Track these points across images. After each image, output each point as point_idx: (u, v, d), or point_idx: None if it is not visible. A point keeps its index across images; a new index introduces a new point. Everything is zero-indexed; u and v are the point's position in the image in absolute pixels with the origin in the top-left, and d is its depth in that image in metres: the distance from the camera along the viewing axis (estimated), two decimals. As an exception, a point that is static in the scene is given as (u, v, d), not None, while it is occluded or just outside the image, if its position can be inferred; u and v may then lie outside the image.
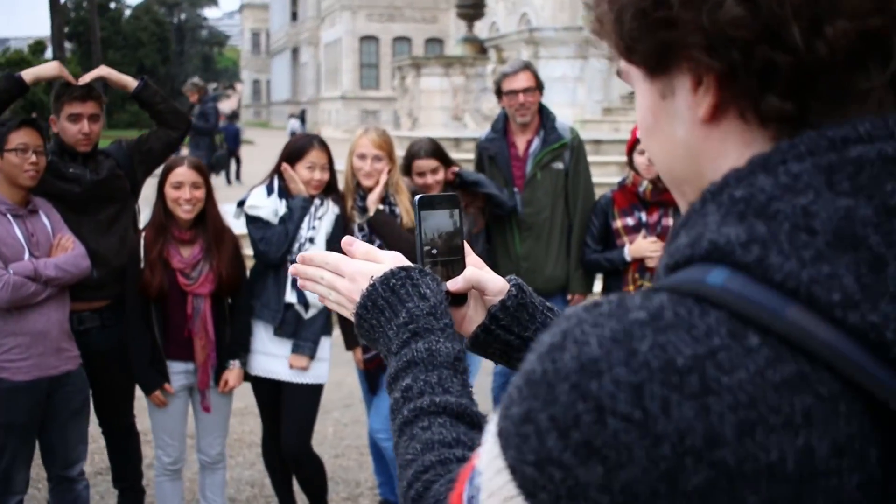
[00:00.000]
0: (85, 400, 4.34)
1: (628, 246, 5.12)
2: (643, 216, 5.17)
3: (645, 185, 5.11)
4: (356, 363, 4.91)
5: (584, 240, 5.38)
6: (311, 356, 4.50)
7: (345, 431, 6.53)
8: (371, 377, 4.87)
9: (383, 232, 4.64)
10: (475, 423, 1.13)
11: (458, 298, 1.34)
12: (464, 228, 1.39)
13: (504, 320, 1.31)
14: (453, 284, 1.32)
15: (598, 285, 5.71)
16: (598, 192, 5.53)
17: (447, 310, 1.24)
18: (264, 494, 5.34)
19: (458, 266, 1.35)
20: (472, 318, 1.35)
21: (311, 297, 4.44)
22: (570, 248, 5.48)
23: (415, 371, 1.17)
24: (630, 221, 5.18)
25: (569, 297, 5.57)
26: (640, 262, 5.10)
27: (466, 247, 1.38)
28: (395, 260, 1.28)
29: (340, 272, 1.29)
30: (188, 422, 4.61)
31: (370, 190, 4.69)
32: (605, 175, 8.48)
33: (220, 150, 16.64)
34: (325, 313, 4.56)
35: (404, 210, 4.71)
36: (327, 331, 4.62)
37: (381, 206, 4.69)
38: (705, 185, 0.80)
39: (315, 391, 4.62)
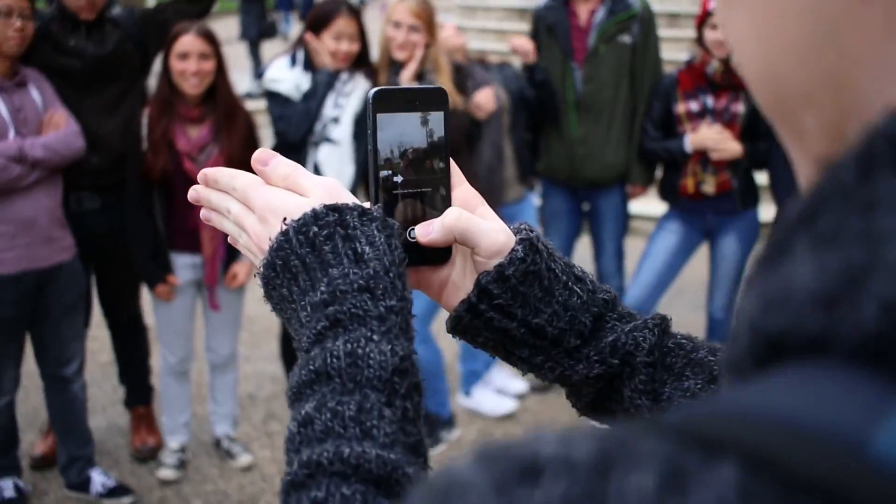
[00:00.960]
0: (81, 294, 3.99)
1: (690, 134, 4.56)
2: (709, 101, 4.59)
3: (715, 66, 4.52)
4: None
5: (643, 126, 4.82)
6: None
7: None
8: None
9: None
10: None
11: (437, 254, 0.94)
12: (449, 141, 0.95)
13: (501, 297, 0.91)
14: (424, 233, 0.93)
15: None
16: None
17: (401, 280, 0.83)
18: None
19: (435, 203, 0.95)
20: (459, 285, 0.96)
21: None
22: (634, 133, 4.92)
23: (323, 390, 0.77)
24: (694, 106, 4.62)
25: (629, 188, 5.06)
26: (702, 154, 4.55)
27: (455, 172, 0.97)
28: (327, 191, 0.88)
29: (250, 204, 0.90)
30: (196, 319, 4.25)
31: (404, 64, 4.16)
32: (679, 52, 7.81)
33: (271, 17, 15.92)
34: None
35: (449, 90, 4.19)
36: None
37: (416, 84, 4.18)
38: (851, 117, 0.38)
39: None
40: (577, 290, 0.93)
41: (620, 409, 0.95)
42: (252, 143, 3.97)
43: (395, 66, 4.20)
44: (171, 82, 3.89)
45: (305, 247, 0.82)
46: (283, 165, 0.90)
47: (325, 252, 0.81)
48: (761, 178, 4.81)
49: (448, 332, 0.95)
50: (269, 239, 0.84)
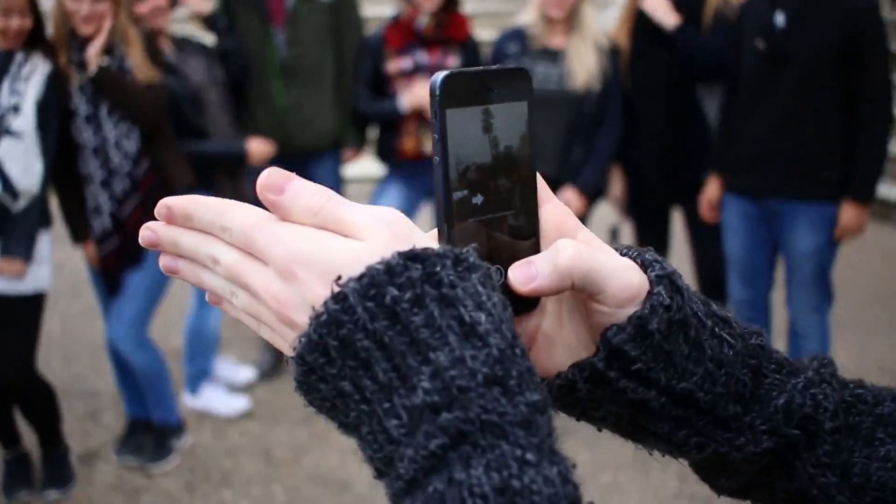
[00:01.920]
0: None
1: (404, 93, 4.35)
2: (421, 57, 4.40)
3: (424, 20, 4.32)
4: (88, 260, 3.93)
5: (354, 87, 4.54)
6: (27, 258, 3.50)
7: (75, 327, 5.53)
8: (109, 277, 3.91)
9: (112, 93, 3.64)
10: None
11: (523, 300, 0.70)
12: (535, 143, 0.71)
13: (640, 359, 0.69)
14: (524, 278, 0.68)
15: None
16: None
17: (527, 357, 0.60)
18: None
19: (521, 230, 0.71)
20: (553, 339, 0.74)
21: (24, 183, 3.42)
22: (344, 96, 4.63)
23: None
24: (406, 64, 4.40)
25: (343, 153, 4.78)
26: (419, 113, 4.35)
27: (542, 185, 0.73)
28: (391, 229, 0.64)
29: (260, 252, 0.64)
30: None
31: (90, 39, 3.62)
32: (383, 7, 7.53)
33: None
34: (41, 200, 3.53)
35: (138, 64, 3.68)
36: (45, 222, 3.64)
37: (105, 60, 3.64)
38: None
39: (35, 302, 3.66)
40: (727, 337, 0.72)
41: (793, 490, 0.74)
42: None
43: (77, 42, 3.65)
44: None
45: (381, 319, 0.58)
46: (309, 193, 0.64)
47: (415, 326, 0.57)
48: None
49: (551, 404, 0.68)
50: (312, 307, 0.60)
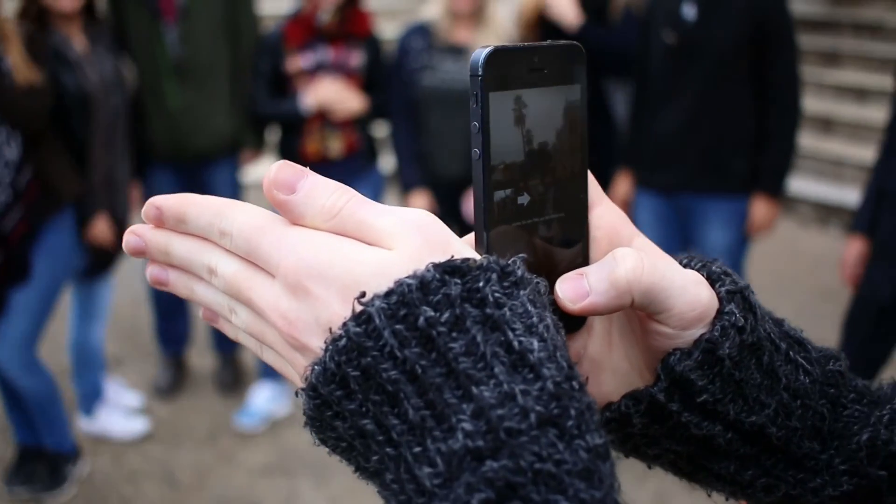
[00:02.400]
0: None
1: (307, 93, 4.15)
2: (324, 54, 4.19)
3: (325, 16, 4.12)
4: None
5: (251, 88, 4.31)
6: None
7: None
8: (-9, 295, 3.62)
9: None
10: None
11: (569, 322, 0.61)
12: (587, 134, 0.63)
13: (707, 389, 0.60)
14: (575, 293, 0.59)
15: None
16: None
17: (585, 390, 0.51)
18: None
19: (571, 235, 0.63)
20: (601, 363, 0.65)
21: None
22: (242, 96, 4.40)
23: None
24: (308, 62, 4.19)
25: (243, 157, 4.54)
26: (323, 115, 4.15)
27: (593, 185, 0.64)
28: (424, 236, 0.54)
29: (263, 261, 0.55)
30: None
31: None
32: (279, 3, 7.22)
33: None
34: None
35: (17, 64, 3.40)
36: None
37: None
38: None
39: None
40: (803, 362, 0.63)
41: None
42: None
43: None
44: None
45: (413, 345, 0.50)
46: (326, 191, 0.56)
47: (454, 354, 0.49)
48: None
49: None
50: (329, 329, 0.52)
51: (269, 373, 4.49)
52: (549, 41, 0.60)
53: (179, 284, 0.61)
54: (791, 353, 0.64)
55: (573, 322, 0.62)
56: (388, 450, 0.51)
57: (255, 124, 4.43)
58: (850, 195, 7.17)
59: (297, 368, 0.56)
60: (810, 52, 9.65)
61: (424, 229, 0.54)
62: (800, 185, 7.72)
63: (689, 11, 3.77)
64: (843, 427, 0.64)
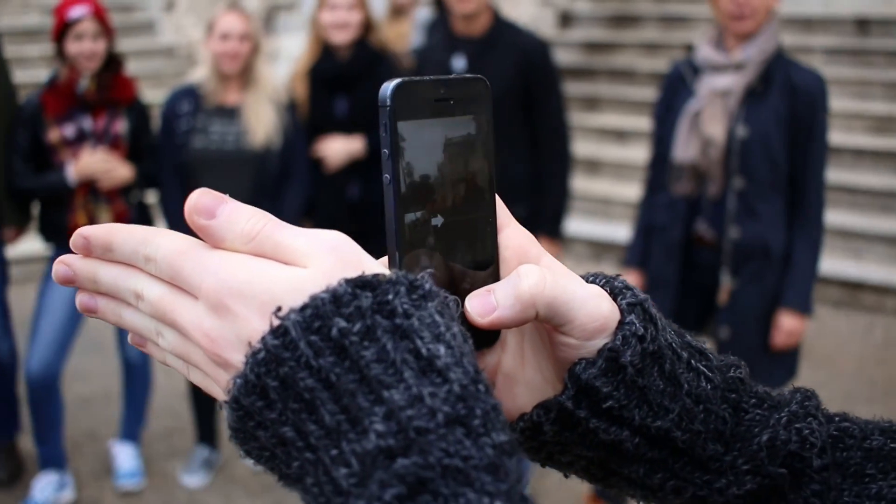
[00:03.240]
0: None
1: (71, 164, 3.95)
2: (86, 123, 4.03)
3: (85, 83, 3.96)
4: None
5: (9, 161, 4.07)
6: None
7: None
8: None
9: None
10: None
11: (483, 334, 0.65)
12: (493, 159, 0.66)
13: (612, 396, 0.64)
14: (483, 309, 0.63)
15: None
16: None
17: (492, 394, 0.54)
18: None
19: (480, 255, 0.66)
20: (515, 377, 0.68)
21: None
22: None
23: None
24: (70, 131, 4.02)
25: (5, 234, 4.26)
26: (89, 184, 3.97)
27: (501, 207, 0.68)
28: (337, 255, 0.58)
29: (187, 284, 0.58)
30: None
31: None
32: (36, 71, 6.84)
33: None
34: None
35: None
36: None
37: None
38: None
39: None
40: (705, 369, 0.67)
41: None
42: None
43: None
44: None
45: (328, 354, 0.53)
46: (244, 216, 0.59)
47: (366, 361, 0.53)
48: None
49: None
50: (248, 344, 0.55)
51: (50, 462, 4.20)
52: (455, 74, 0.65)
53: (108, 311, 0.63)
54: (693, 361, 0.67)
55: (487, 338, 0.65)
56: (307, 455, 0.53)
57: (16, 199, 4.17)
58: (619, 231, 7.51)
59: (220, 385, 0.58)
60: (572, 98, 10.11)
61: (337, 249, 0.57)
62: (573, 225, 8.03)
63: (459, 64, 3.86)
64: (745, 430, 0.67)
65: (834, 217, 7.42)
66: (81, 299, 0.63)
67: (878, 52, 9.36)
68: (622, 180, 8.61)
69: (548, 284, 0.62)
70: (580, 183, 8.15)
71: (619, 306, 0.65)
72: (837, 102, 8.77)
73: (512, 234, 0.67)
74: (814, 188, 3.37)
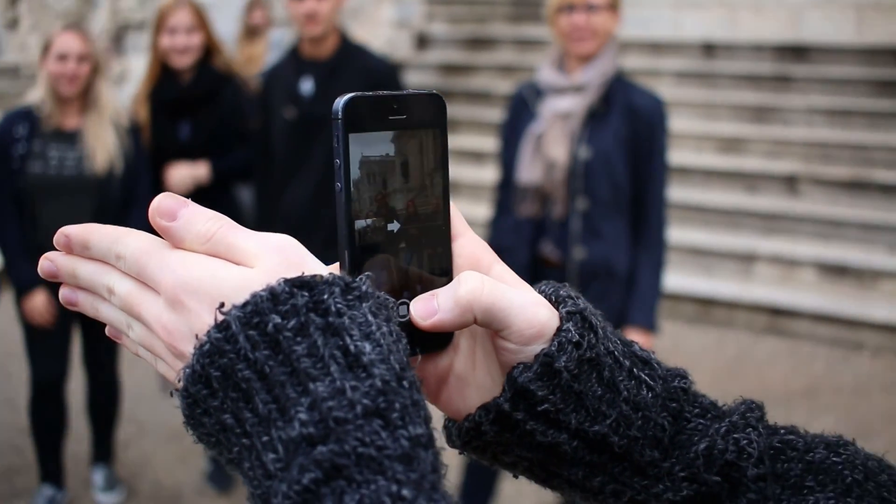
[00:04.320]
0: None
1: None
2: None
3: None
4: None
5: None
6: None
7: None
8: None
9: None
10: None
11: (434, 337, 0.69)
12: (448, 172, 0.70)
13: (548, 400, 0.67)
14: (425, 312, 0.67)
15: None
16: None
17: (418, 391, 0.59)
18: None
19: (432, 262, 0.70)
20: (466, 379, 0.72)
21: None
22: None
23: None
24: None
25: None
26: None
27: (456, 216, 0.72)
28: (282, 255, 0.64)
29: (150, 280, 0.64)
30: None
31: None
32: None
33: None
34: None
35: None
36: None
37: None
38: None
39: None
40: (646, 378, 0.70)
41: None
42: None
43: None
44: None
45: (263, 348, 0.58)
46: (202, 219, 0.64)
47: (297, 355, 0.57)
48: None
49: (454, 447, 0.71)
50: (195, 336, 0.60)
51: None
52: (408, 90, 0.67)
53: (87, 304, 0.69)
54: (635, 369, 0.70)
55: (440, 341, 0.69)
56: (244, 441, 0.58)
57: None
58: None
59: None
60: (430, 121, 10.14)
61: (283, 250, 0.63)
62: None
63: (307, 86, 3.82)
64: (686, 438, 0.70)
65: (685, 235, 7.67)
66: (63, 293, 0.69)
67: (723, 75, 9.72)
68: (480, 201, 8.67)
69: (485, 291, 0.66)
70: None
71: (559, 314, 0.68)
72: (686, 124, 9.10)
73: (466, 242, 0.71)
74: (655, 208, 3.44)
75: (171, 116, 4.23)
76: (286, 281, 0.59)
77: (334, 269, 0.67)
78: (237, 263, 0.63)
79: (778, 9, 10.01)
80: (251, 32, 8.01)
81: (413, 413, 0.56)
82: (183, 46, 4.16)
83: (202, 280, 0.61)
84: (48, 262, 0.68)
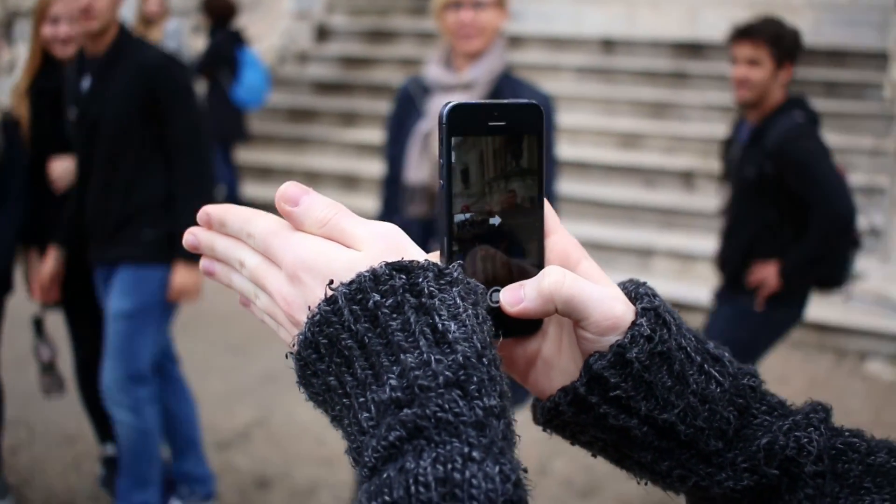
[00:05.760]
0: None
1: None
2: None
3: None
4: None
5: None
6: None
7: None
8: None
9: None
10: None
11: (524, 323, 0.77)
12: (543, 175, 0.77)
13: (619, 387, 0.74)
14: (512, 300, 0.75)
15: None
16: None
17: (497, 368, 0.66)
18: None
19: (525, 255, 0.77)
20: (552, 363, 0.80)
21: None
22: None
23: None
24: None
25: None
26: None
27: (550, 214, 0.78)
28: (386, 243, 0.72)
29: (275, 257, 0.73)
30: None
31: None
32: None
33: None
34: None
35: None
36: None
37: None
38: None
39: None
40: (716, 374, 0.76)
41: None
42: None
43: None
44: None
45: (363, 321, 0.66)
46: (320, 206, 0.73)
47: (392, 329, 0.65)
48: None
49: (538, 423, 0.79)
50: (308, 308, 0.69)
51: None
52: (508, 100, 0.74)
53: (222, 274, 0.78)
54: (705, 365, 0.76)
55: (529, 326, 0.77)
56: (344, 400, 0.66)
57: None
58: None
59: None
60: (329, 114, 10.03)
61: (388, 238, 0.71)
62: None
63: (86, 84, 3.67)
64: (751, 433, 0.76)
65: (584, 229, 7.70)
66: (203, 263, 0.79)
67: (622, 71, 9.81)
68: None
69: (566, 284, 0.73)
70: (338, 197, 8.09)
71: (635, 309, 0.75)
72: (586, 119, 9.15)
73: (557, 238, 0.78)
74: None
75: (53, 109, 4.03)
76: (387, 264, 0.67)
77: (434, 256, 0.74)
78: (348, 247, 0.71)
79: (675, 6, 10.14)
80: (147, 22, 7.79)
81: (489, 386, 0.63)
82: (66, 36, 3.97)
83: (317, 259, 0.70)
84: (192, 237, 0.77)
